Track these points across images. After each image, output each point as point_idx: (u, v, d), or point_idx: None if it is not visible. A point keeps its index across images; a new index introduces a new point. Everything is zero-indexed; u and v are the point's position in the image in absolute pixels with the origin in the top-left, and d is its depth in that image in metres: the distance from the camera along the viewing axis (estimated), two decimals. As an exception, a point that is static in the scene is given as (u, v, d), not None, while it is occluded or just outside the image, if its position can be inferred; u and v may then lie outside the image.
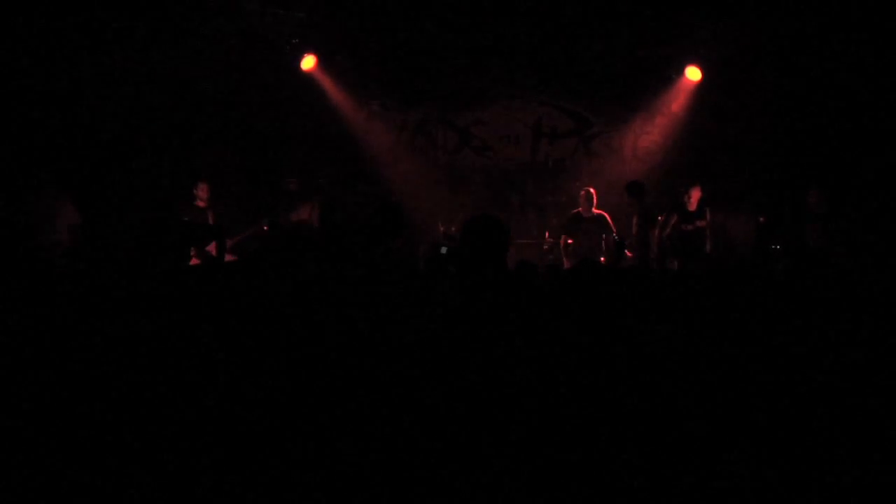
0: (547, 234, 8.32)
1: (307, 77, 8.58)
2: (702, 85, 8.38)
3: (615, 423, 2.76)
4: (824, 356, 3.46)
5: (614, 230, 7.44)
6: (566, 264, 7.43)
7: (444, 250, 6.90)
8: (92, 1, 7.21)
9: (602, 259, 7.27)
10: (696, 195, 7.32)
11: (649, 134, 9.08)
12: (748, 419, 2.84)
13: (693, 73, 8.32)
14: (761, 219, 7.61)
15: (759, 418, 2.85)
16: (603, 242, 7.57)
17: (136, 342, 3.35)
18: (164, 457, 2.54)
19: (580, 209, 7.80)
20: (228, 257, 6.64)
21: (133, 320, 3.54)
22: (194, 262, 6.63)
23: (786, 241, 6.98)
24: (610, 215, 7.76)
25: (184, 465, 2.51)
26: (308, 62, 8.45)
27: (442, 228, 7.99)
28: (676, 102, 8.69)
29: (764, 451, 2.58)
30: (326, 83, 8.79)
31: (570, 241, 7.74)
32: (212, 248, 6.82)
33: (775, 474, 2.47)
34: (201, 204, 7.00)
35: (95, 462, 2.49)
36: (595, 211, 7.71)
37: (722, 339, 3.64)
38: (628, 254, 6.85)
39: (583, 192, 7.81)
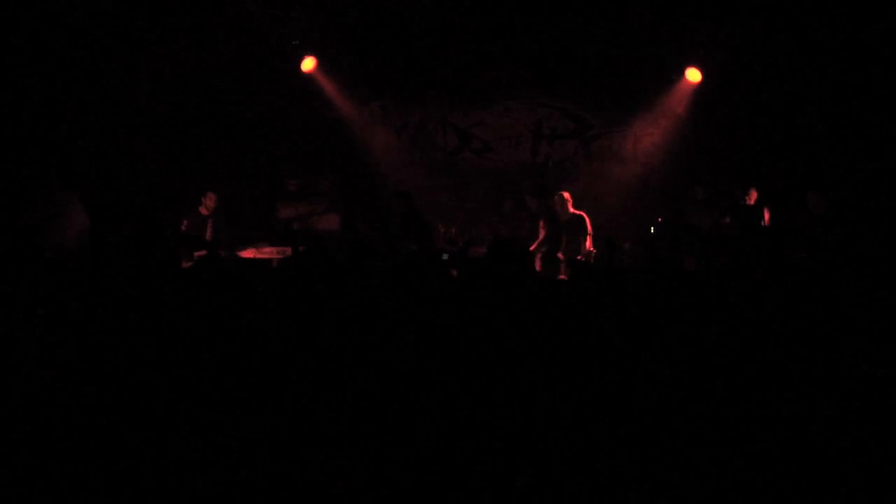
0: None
1: (307, 78, 8.59)
2: (702, 86, 8.38)
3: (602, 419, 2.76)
4: (822, 353, 3.46)
5: (590, 230, 7.43)
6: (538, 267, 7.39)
7: (445, 256, 6.90)
8: (98, 3, 7.25)
9: (580, 258, 7.24)
10: (754, 195, 7.24)
11: (650, 135, 9.08)
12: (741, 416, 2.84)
13: (693, 75, 8.33)
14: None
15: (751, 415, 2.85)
16: (585, 243, 7.53)
17: (152, 342, 3.35)
18: (178, 453, 2.54)
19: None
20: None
21: (147, 322, 3.54)
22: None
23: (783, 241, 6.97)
24: (609, 217, 7.75)
25: (199, 460, 2.50)
26: (308, 64, 8.46)
27: (442, 230, 7.98)
28: (677, 104, 8.68)
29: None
30: (327, 85, 8.79)
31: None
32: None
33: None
34: (205, 211, 7.11)
35: (99, 461, 2.48)
36: (572, 212, 7.69)
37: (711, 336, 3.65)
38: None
39: (556, 197, 7.79)
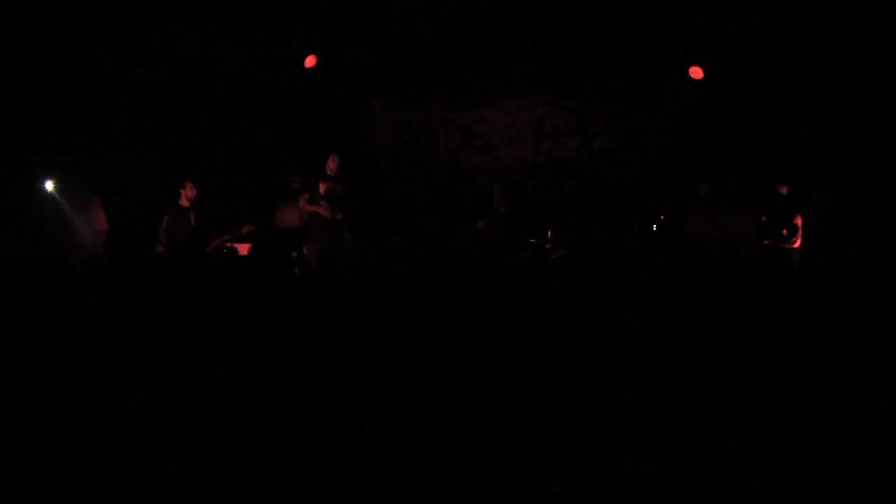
0: (549, 233, 8.30)
1: (309, 75, 8.57)
2: (705, 83, 8.38)
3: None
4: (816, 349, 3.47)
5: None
6: None
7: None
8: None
9: None
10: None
11: (652, 133, 9.08)
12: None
13: (695, 72, 8.33)
14: (763, 218, 7.60)
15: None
16: None
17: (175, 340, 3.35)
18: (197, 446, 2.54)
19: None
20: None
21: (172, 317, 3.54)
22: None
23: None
24: (611, 215, 7.76)
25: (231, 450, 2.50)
26: (309, 60, 8.44)
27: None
28: (679, 101, 8.68)
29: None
30: (329, 82, 8.78)
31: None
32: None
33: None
34: (185, 203, 7.12)
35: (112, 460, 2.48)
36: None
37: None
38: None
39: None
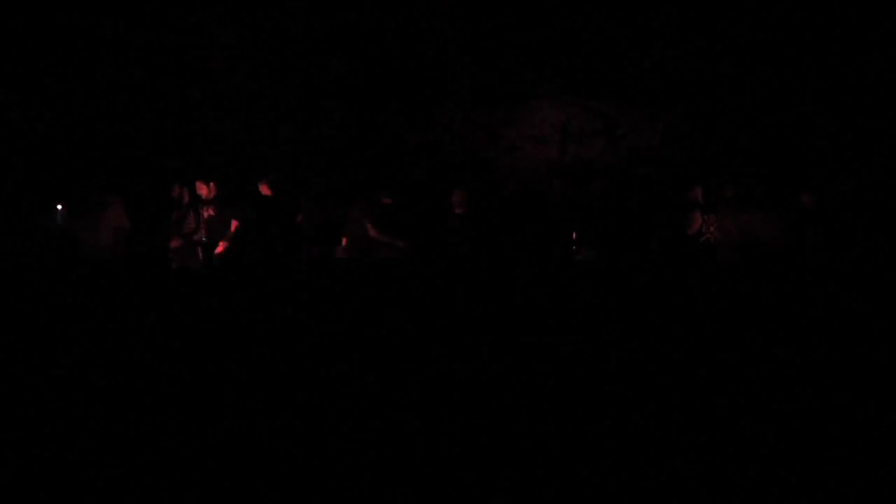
0: (574, 235, 8.27)
1: (330, 75, 8.66)
2: (732, 84, 8.31)
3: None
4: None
5: None
6: None
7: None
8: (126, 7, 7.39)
9: None
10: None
11: (678, 133, 9.02)
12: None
13: (723, 72, 8.26)
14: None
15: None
16: None
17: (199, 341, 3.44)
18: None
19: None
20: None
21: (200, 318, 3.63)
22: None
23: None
24: (641, 215, 7.74)
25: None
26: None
27: None
28: (704, 103, 8.62)
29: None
30: (350, 82, 8.86)
31: None
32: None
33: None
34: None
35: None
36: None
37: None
38: None
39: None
